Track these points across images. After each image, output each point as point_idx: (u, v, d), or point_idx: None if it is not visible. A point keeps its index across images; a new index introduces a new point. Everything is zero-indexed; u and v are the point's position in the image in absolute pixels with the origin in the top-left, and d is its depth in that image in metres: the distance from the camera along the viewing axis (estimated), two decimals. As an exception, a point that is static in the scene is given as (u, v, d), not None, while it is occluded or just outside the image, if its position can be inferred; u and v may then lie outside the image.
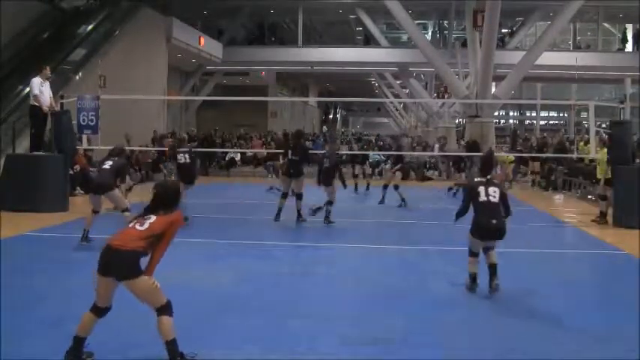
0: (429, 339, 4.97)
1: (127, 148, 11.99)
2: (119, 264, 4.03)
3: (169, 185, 4.51)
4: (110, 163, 8.74)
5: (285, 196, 11.18)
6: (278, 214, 11.05)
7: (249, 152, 24.18)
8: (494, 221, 6.12)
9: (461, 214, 6.47)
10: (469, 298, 6.29)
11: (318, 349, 4.69)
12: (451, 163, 21.62)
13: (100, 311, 4.16)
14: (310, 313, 5.62)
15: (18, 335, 4.80)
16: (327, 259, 8.20)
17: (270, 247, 8.79)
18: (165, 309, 4.11)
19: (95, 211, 8.66)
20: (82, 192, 15.00)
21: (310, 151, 12.43)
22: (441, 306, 5.93)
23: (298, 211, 11.06)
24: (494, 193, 6.21)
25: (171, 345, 4.09)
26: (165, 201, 4.27)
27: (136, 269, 4.04)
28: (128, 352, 4.45)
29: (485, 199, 6.18)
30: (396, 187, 14.04)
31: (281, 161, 14.08)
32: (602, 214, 11.68)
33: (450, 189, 16.54)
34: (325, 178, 11.11)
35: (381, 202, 14.20)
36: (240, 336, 4.94)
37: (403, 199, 13.86)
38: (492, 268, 6.24)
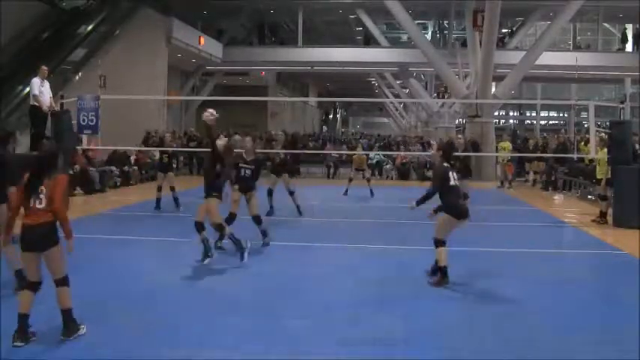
0: (428, 339, 4.98)
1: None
2: (38, 238, 4.53)
3: (43, 153, 4.74)
4: None
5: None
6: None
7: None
8: (462, 202, 6.73)
9: (428, 198, 6.66)
10: (468, 298, 6.29)
11: (317, 349, 4.69)
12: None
13: (34, 286, 4.64)
14: (310, 313, 5.62)
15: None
16: (327, 259, 8.20)
17: (269, 246, 8.77)
18: (65, 280, 4.65)
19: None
20: (82, 192, 15.09)
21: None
22: (441, 306, 5.93)
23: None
24: (456, 178, 6.71)
25: (69, 313, 4.63)
26: (44, 168, 4.62)
27: (54, 239, 4.56)
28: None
29: (454, 183, 6.65)
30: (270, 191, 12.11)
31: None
32: (602, 214, 11.68)
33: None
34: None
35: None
36: (240, 336, 4.94)
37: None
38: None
